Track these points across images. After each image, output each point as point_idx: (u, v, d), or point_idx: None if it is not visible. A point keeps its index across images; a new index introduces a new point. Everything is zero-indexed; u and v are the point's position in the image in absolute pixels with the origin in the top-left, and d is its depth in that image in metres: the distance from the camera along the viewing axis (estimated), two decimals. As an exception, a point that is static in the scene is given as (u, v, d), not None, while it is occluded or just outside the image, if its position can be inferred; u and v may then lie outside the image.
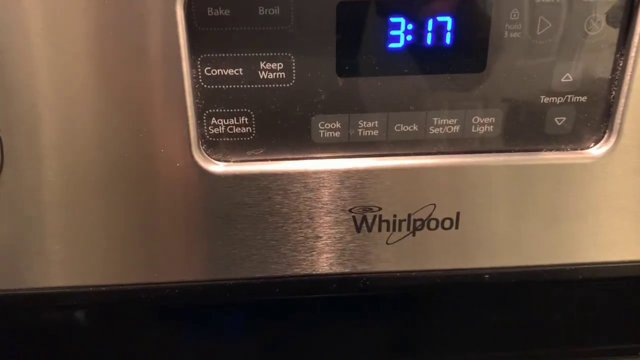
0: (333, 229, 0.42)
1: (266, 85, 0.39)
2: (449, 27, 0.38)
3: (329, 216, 0.42)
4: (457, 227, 0.42)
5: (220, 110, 0.39)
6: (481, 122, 0.41)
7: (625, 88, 0.39)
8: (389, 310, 0.51)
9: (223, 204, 0.41)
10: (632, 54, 0.39)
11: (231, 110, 0.39)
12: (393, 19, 0.37)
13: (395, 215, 0.42)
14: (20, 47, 0.36)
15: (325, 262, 0.43)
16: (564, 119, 0.41)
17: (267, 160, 0.41)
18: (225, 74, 0.38)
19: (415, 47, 0.38)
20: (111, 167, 0.39)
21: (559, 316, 0.53)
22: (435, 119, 0.41)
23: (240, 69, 0.38)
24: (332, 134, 0.40)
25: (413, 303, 0.51)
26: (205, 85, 0.38)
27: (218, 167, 0.40)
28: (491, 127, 0.41)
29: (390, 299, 0.50)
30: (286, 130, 0.40)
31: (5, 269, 0.42)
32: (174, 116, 0.38)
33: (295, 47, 0.38)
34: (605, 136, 0.41)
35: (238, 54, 0.38)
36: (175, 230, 0.41)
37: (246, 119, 0.40)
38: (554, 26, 0.38)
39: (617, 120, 0.40)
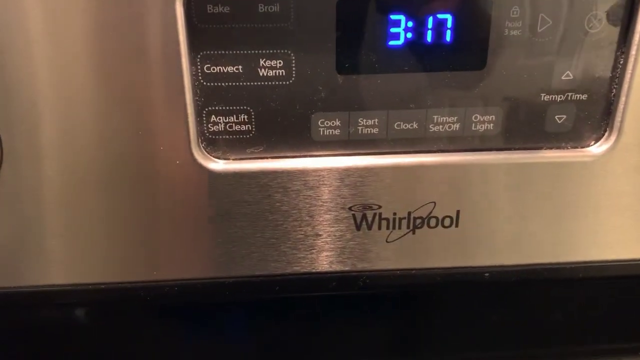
0: (333, 227, 0.42)
1: (266, 83, 0.38)
2: (449, 24, 0.38)
3: (329, 214, 0.42)
4: (457, 225, 0.42)
5: (220, 108, 0.39)
6: (481, 120, 0.41)
7: (625, 86, 0.39)
8: (388, 309, 0.51)
9: (223, 201, 0.41)
10: (633, 52, 0.39)
11: (231, 107, 0.39)
12: (393, 17, 0.37)
13: (395, 213, 0.42)
14: (19, 45, 0.36)
15: (325, 260, 0.43)
16: (565, 117, 0.41)
17: (266, 158, 0.41)
18: (225, 71, 0.38)
19: (415, 44, 0.38)
20: (110, 165, 0.39)
21: (559, 315, 0.53)
22: (436, 116, 0.40)
23: (240, 67, 0.38)
24: (332, 131, 0.40)
25: (413, 301, 0.51)
26: (204, 83, 0.38)
27: (218, 165, 0.40)
28: (491, 125, 0.41)
29: (390, 297, 0.50)
30: (286, 128, 0.40)
31: (4, 266, 0.42)
32: (173, 114, 0.38)
33: (295, 45, 0.38)
34: (606, 134, 0.41)
35: (238, 52, 0.37)
36: (174, 228, 0.41)
37: (246, 117, 0.39)
38: (555, 24, 0.38)
39: (618, 118, 0.40)
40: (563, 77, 0.40)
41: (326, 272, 0.44)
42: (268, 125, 0.40)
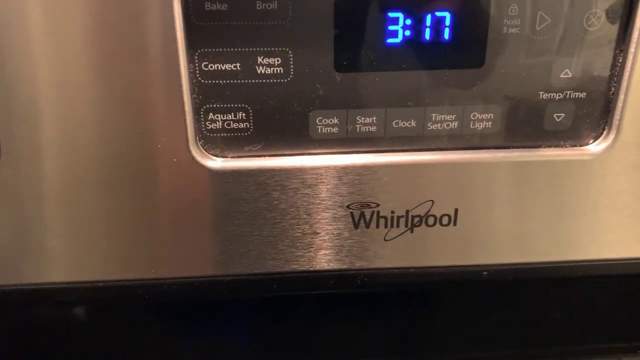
0: (331, 225, 0.42)
1: (264, 81, 0.38)
2: (447, 22, 0.38)
3: (327, 212, 0.42)
4: (455, 224, 0.42)
5: (218, 106, 0.39)
6: (480, 118, 0.41)
7: (624, 84, 0.39)
8: (386, 308, 0.51)
9: (220, 199, 0.41)
10: (632, 50, 0.39)
11: (229, 105, 0.39)
12: (391, 14, 0.37)
13: (393, 212, 0.42)
14: (18, 43, 0.36)
15: (323, 259, 0.43)
16: (563, 115, 0.41)
17: (264, 155, 0.40)
18: (223, 69, 0.38)
19: (413, 42, 0.38)
20: (108, 163, 0.39)
21: (558, 314, 0.53)
22: (434, 114, 0.40)
23: (238, 64, 0.38)
24: (330, 129, 0.40)
25: (411, 300, 0.51)
26: (202, 80, 0.38)
27: (215, 163, 0.40)
28: (490, 123, 0.41)
29: (388, 296, 0.50)
30: (284, 126, 0.40)
31: (2, 264, 0.42)
32: (171, 111, 0.38)
33: (293, 42, 0.38)
34: (605, 133, 0.41)
35: (235, 49, 0.37)
36: (172, 226, 0.41)
37: (244, 115, 0.39)
38: (553, 22, 0.38)
39: (616, 116, 0.40)
40: (562, 75, 0.40)
41: (324, 271, 0.44)
42: (266, 123, 0.40)
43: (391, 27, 0.38)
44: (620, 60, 0.39)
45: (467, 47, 0.39)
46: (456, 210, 0.42)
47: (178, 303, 0.48)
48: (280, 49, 0.38)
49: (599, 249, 0.45)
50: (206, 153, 0.40)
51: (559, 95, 0.40)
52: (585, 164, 0.41)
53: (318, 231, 0.42)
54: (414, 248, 0.43)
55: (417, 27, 0.38)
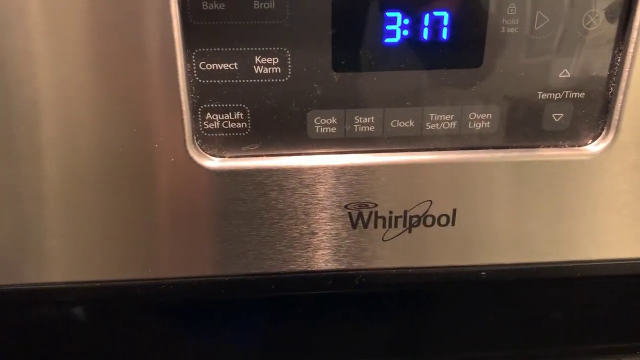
0: (329, 225, 0.42)
1: (261, 80, 0.38)
2: (445, 22, 0.38)
3: (325, 212, 0.42)
4: (453, 224, 0.42)
5: (215, 105, 0.39)
6: (478, 118, 0.41)
7: (623, 84, 0.39)
8: (385, 308, 0.51)
9: (218, 199, 0.41)
10: (631, 50, 0.38)
11: (226, 105, 0.39)
12: (389, 14, 0.37)
13: (391, 212, 0.42)
14: (16, 43, 0.36)
15: (320, 259, 0.43)
16: (562, 115, 0.41)
17: (262, 155, 0.40)
18: (220, 68, 0.38)
19: (411, 42, 0.38)
20: (105, 163, 0.39)
21: (557, 314, 0.53)
22: (432, 114, 0.40)
23: (236, 64, 0.38)
24: (328, 129, 0.40)
25: (409, 301, 0.51)
26: (200, 80, 0.38)
27: (213, 163, 0.40)
28: (488, 123, 0.41)
29: (386, 296, 0.50)
30: (282, 126, 0.40)
31: (1, 264, 0.42)
32: (168, 111, 0.38)
33: (290, 42, 0.37)
34: (603, 133, 0.41)
35: (233, 49, 0.37)
36: (169, 226, 0.41)
37: (241, 114, 0.39)
38: (552, 21, 0.38)
39: (615, 116, 0.40)
40: (560, 75, 0.40)
41: (322, 271, 0.44)
42: (264, 122, 0.40)
43: (389, 27, 0.37)
44: (619, 60, 0.39)
45: (465, 47, 0.39)
46: (454, 211, 0.42)
47: (176, 303, 0.48)
48: (277, 48, 0.38)
49: (598, 249, 0.44)
50: (204, 153, 0.40)
51: (558, 95, 0.40)
52: (584, 164, 0.41)
53: (316, 231, 0.42)
54: (412, 248, 0.43)
55: (415, 26, 0.38)
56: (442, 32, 0.38)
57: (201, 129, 0.39)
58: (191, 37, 0.37)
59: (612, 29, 0.39)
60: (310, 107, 0.40)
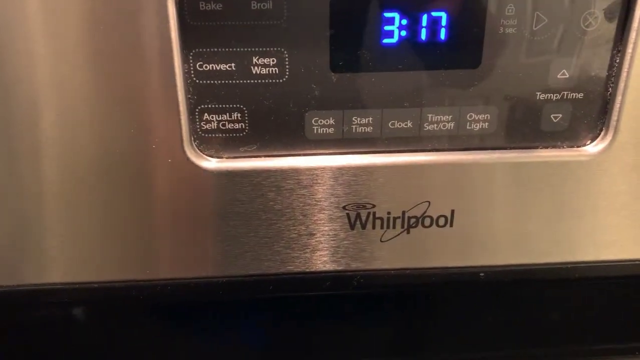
0: (327, 226, 0.42)
1: (259, 81, 0.38)
2: (443, 22, 0.37)
3: (323, 213, 0.42)
4: (451, 225, 0.42)
5: (213, 106, 0.39)
6: (476, 118, 0.40)
7: (621, 85, 0.39)
8: (383, 309, 0.51)
9: (216, 200, 0.40)
10: (629, 50, 0.38)
11: (224, 105, 0.39)
12: (387, 14, 0.37)
13: (389, 213, 0.42)
14: (15, 43, 0.35)
15: (319, 260, 0.43)
16: (560, 115, 0.41)
17: (260, 156, 0.40)
18: (218, 69, 0.38)
19: (409, 42, 0.38)
20: (102, 164, 0.39)
21: (556, 315, 0.53)
22: (430, 115, 0.40)
23: (233, 64, 0.38)
24: (326, 130, 0.40)
25: (408, 301, 0.51)
26: (197, 81, 0.38)
27: (210, 164, 0.40)
28: (486, 124, 0.41)
29: (385, 297, 0.49)
30: (279, 126, 0.40)
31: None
32: (165, 112, 0.38)
33: (288, 42, 0.37)
34: (602, 133, 0.41)
35: (230, 49, 0.37)
36: (167, 227, 0.41)
37: (239, 115, 0.39)
38: (551, 22, 0.38)
39: (614, 117, 0.40)
40: (559, 76, 0.40)
41: (320, 272, 0.43)
42: (261, 123, 0.40)
43: (387, 28, 0.37)
44: (617, 61, 0.39)
45: (463, 48, 0.38)
46: (452, 212, 0.42)
47: (174, 304, 0.48)
48: (275, 49, 0.37)
49: (597, 250, 0.44)
50: (201, 154, 0.40)
51: (556, 96, 0.40)
52: (583, 164, 0.41)
53: (314, 232, 0.42)
54: (410, 249, 0.43)
55: (413, 27, 0.38)
56: (440, 32, 0.38)
57: (199, 129, 0.39)
58: (188, 37, 0.37)
59: (611, 29, 0.39)
60: (308, 108, 0.39)
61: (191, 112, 0.39)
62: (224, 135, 0.40)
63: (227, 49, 0.37)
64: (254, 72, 0.38)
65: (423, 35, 0.38)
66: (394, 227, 0.42)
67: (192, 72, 0.38)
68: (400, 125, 0.40)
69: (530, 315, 0.53)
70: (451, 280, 0.45)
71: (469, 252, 0.43)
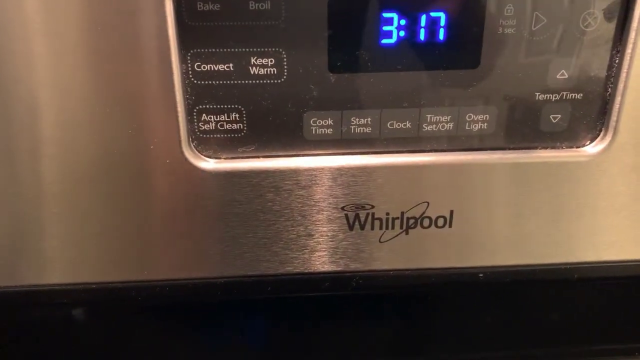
0: (325, 227, 0.42)
1: (257, 81, 0.38)
2: (442, 22, 0.37)
3: (322, 214, 0.41)
4: (450, 226, 0.42)
5: (211, 106, 0.39)
6: (475, 119, 0.40)
7: (621, 85, 0.39)
8: (383, 310, 0.51)
9: (214, 201, 0.40)
10: (629, 50, 0.38)
11: (222, 106, 0.39)
12: (385, 15, 0.37)
13: (388, 213, 0.41)
14: (13, 43, 0.35)
15: (317, 261, 0.43)
16: (560, 116, 0.41)
17: (258, 157, 0.40)
18: (216, 69, 0.38)
19: (408, 43, 0.38)
20: (100, 164, 0.39)
21: (555, 315, 0.53)
22: (429, 116, 0.40)
23: (231, 65, 0.38)
24: (325, 130, 0.40)
25: (407, 302, 0.51)
26: (195, 81, 0.38)
27: (209, 164, 0.40)
28: (485, 124, 0.40)
29: (383, 297, 0.49)
30: (278, 127, 0.40)
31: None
32: (163, 112, 0.38)
33: (286, 43, 0.37)
34: (601, 134, 0.41)
35: (229, 50, 0.37)
36: (165, 228, 0.41)
37: (237, 115, 0.39)
38: (550, 22, 0.38)
39: (613, 117, 0.40)
40: (558, 76, 0.39)
41: (319, 273, 0.43)
42: (260, 124, 0.39)
43: (385, 28, 0.37)
44: (617, 61, 0.39)
45: (462, 48, 0.38)
46: (451, 212, 0.42)
47: (172, 305, 0.48)
48: (273, 49, 0.37)
49: (596, 251, 0.44)
50: (199, 154, 0.40)
51: (556, 96, 0.40)
52: (582, 165, 0.41)
53: (312, 233, 0.42)
54: (409, 250, 0.43)
55: (412, 27, 0.37)
56: (439, 32, 0.38)
57: (197, 130, 0.39)
58: (186, 37, 0.36)
59: (610, 29, 0.38)
60: (306, 108, 0.39)
61: (189, 112, 0.39)
62: (222, 135, 0.40)
63: (225, 49, 0.37)
64: (252, 72, 0.38)
65: (422, 35, 0.38)
66: (392, 227, 0.42)
67: (190, 72, 0.38)
68: (399, 125, 0.40)
69: (530, 316, 0.53)
70: (450, 281, 0.44)
71: (468, 252, 0.43)
